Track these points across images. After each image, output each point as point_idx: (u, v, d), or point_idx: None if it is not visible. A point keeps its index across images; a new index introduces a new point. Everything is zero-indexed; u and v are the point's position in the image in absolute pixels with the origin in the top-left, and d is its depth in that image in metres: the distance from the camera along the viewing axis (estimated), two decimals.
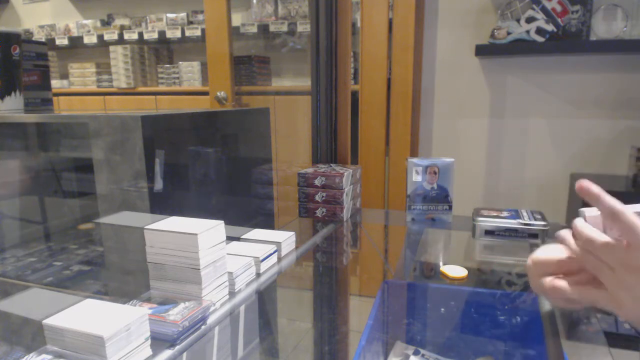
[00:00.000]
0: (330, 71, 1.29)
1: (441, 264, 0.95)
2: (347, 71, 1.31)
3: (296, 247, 0.92)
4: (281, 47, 2.83)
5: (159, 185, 0.81)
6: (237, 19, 2.78)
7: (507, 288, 0.85)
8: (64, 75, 3.40)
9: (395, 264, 1.03)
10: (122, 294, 0.87)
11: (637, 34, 1.95)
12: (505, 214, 1.03)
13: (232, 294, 0.70)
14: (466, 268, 0.87)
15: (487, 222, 1.00)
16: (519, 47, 2.03)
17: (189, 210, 0.92)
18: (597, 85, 2.06)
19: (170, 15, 2.96)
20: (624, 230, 0.47)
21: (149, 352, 0.53)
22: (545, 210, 1.07)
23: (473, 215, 1.04)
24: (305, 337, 0.87)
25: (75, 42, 3.26)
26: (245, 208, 1.16)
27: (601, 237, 0.49)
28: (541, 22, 1.95)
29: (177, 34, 2.90)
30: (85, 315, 0.51)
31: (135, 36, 2.99)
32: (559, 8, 1.94)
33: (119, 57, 3.00)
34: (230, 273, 0.69)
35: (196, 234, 0.60)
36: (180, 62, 2.97)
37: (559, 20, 1.94)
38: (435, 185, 1.11)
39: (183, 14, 2.93)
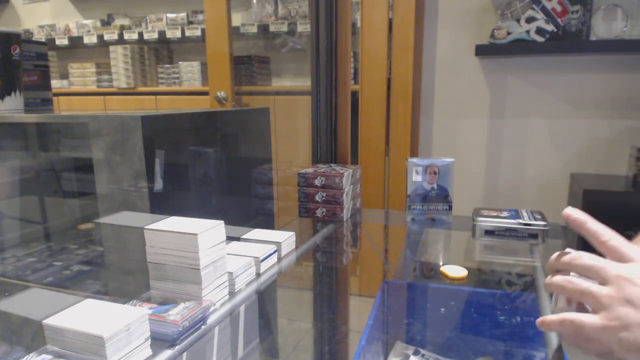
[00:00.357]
0: (330, 71, 1.29)
1: (441, 264, 0.95)
2: (347, 71, 1.30)
3: (296, 247, 0.92)
4: (281, 47, 2.83)
5: (159, 185, 0.81)
6: (237, 19, 2.78)
7: (507, 288, 0.85)
8: (64, 75, 3.40)
9: (395, 264, 1.03)
10: (122, 294, 0.87)
11: (637, 34, 1.95)
12: (505, 214, 1.03)
13: (232, 294, 0.70)
14: (466, 268, 0.87)
15: (487, 222, 1.00)
16: (519, 47, 2.03)
17: (189, 210, 0.92)
18: (597, 85, 2.06)
19: (170, 15, 2.96)
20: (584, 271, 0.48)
21: (149, 352, 0.53)
22: (545, 210, 1.06)
23: (473, 215, 1.04)
24: (305, 337, 0.87)
25: (75, 42, 3.26)
26: (245, 208, 1.16)
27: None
28: (541, 22, 1.95)
29: (177, 34, 2.90)
30: (85, 315, 0.51)
31: (135, 36, 2.99)
32: (559, 8, 1.94)
33: (119, 57, 3.00)
34: (230, 273, 0.69)
35: (196, 234, 0.60)
36: (180, 62, 2.97)
37: (559, 20, 1.94)
38: (435, 185, 1.11)
39: (183, 14, 2.93)
